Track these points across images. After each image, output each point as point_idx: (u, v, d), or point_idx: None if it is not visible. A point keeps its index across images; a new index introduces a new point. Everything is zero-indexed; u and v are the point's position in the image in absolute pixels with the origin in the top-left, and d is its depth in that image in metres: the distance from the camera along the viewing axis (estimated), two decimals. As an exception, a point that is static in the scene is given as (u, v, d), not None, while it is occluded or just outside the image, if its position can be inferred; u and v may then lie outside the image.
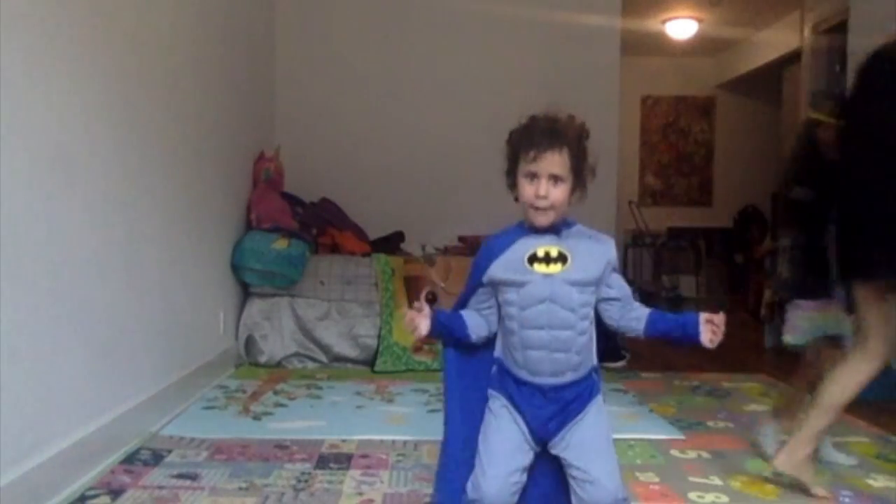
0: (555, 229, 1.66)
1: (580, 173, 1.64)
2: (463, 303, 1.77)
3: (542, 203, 1.62)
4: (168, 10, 3.14)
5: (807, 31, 5.84)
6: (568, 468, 1.67)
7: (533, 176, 1.62)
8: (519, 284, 1.63)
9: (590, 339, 1.69)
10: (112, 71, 2.60)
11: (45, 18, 2.17)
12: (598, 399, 1.71)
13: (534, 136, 1.63)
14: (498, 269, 1.66)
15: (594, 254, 1.66)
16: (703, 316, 1.63)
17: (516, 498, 1.67)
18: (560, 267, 1.62)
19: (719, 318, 1.62)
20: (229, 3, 4.10)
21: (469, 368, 1.79)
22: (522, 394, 1.67)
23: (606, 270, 1.66)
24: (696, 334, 1.64)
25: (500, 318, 1.71)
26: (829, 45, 5.61)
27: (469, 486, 1.67)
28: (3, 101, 1.94)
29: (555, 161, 1.61)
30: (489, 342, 1.77)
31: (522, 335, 1.64)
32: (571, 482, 1.66)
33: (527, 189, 1.63)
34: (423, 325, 1.66)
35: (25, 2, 2.07)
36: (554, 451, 1.68)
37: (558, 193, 1.62)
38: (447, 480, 1.78)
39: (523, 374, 1.67)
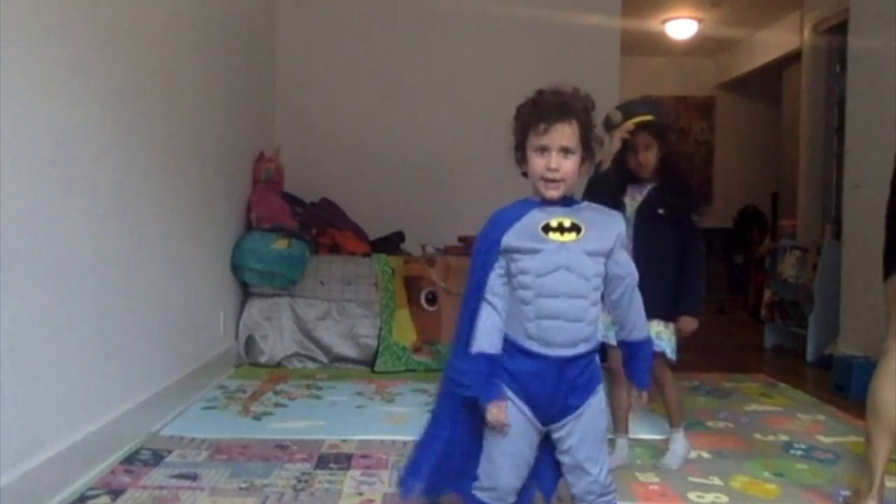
0: (566, 202, 1.68)
1: (588, 144, 1.67)
2: (478, 283, 1.69)
3: (553, 175, 1.63)
4: (168, 10, 3.13)
5: (807, 31, 5.84)
6: (561, 455, 1.71)
7: (543, 149, 1.64)
8: (534, 251, 1.63)
9: (599, 310, 1.70)
10: (111, 71, 2.60)
11: (45, 19, 2.17)
12: (600, 390, 1.73)
13: (543, 109, 1.65)
14: (511, 238, 1.65)
15: (605, 225, 1.68)
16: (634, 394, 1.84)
17: (524, 479, 1.72)
18: (574, 236, 1.64)
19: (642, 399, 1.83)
20: (229, 3, 4.10)
21: None
22: (527, 372, 1.66)
23: (617, 243, 1.68)
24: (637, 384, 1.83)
25: (511, 291, 1.68)
26: (829, 45, 5.61)
27: (481, 475, 1.71)
28: (2, 102, 1.94)
29: (565, 133, 1.63)
30: None
31: (538, 304, 1.63)
32: (563, 467, 1.72)
33: (537, 162, 1.65)
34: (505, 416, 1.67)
35: (25, 2, 2.07)
36: (554, 435, 1.71)
37: (569, 165, 1.64)
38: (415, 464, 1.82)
39: (534, 346, 1.65)
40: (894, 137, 3.95)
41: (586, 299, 1.64)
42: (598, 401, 1.71)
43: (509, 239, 1.65)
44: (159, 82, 3.04)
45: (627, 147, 2.60)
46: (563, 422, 1.68)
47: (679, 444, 2.68)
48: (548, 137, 1.63)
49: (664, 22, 7.14)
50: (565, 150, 1.63)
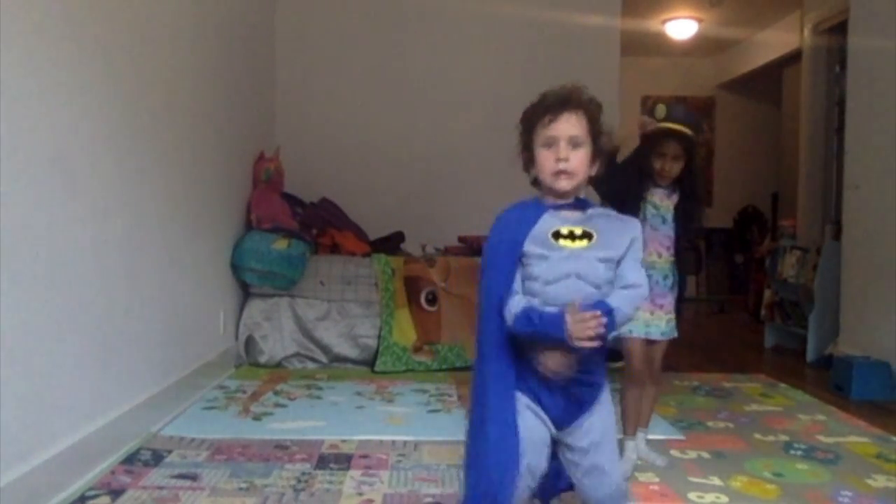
0: (580, 205, 1.63)
1: (597, 139, 1.63)
2: (504, 280, 1.61)
3: (563, 166, 1.59)
4: (168, 10, 3.14)
5: (807, 31, 5.84)
6: (573, 454, 1.64)
7: (552, 142, 1.60)
8: (543, 257, 1.59)
9: None
10: (111, 71, 2.60)
11: (44, 18, 2.17)
12: (607, 389, 1.70)
13: (548, 103, 1.62)
14: (527, 243, 1.60)
15: (618, 231, 1.63)
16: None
17: (534, 488, 1.66)
18: (586, 243, 1.59)
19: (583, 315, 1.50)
20: (229, 3, 4.10)
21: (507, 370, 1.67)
22: (543, 386, 1.61)
23: (630, 248, 1.62)
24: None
25: None
26: (829, 45, 5.61)
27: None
28: (2, 102, 1.94)
29: (572, 122, 1.60)
30: None
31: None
32: (575, 471, 1.64)
33: (546, 156, 1.61)
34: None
35: (23, 3, 2.07)
36: (567, 440, 1.65)
37: (579, 157, 1.60)
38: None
39: None
40: (894, 137, 3.96)
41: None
42: (605, 399, 1.67)
43: (526, 244, 1.60)
44: (159, 82, 3.04)
45: (650, 149, 2.58)
46: (577, 421, 1.63)
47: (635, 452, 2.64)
48: (555, 127, 1.59)
49: (664, 22, 7.14)
50: (574, 142, 1.59)
